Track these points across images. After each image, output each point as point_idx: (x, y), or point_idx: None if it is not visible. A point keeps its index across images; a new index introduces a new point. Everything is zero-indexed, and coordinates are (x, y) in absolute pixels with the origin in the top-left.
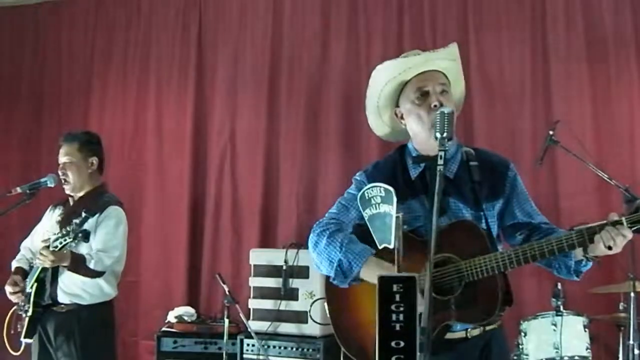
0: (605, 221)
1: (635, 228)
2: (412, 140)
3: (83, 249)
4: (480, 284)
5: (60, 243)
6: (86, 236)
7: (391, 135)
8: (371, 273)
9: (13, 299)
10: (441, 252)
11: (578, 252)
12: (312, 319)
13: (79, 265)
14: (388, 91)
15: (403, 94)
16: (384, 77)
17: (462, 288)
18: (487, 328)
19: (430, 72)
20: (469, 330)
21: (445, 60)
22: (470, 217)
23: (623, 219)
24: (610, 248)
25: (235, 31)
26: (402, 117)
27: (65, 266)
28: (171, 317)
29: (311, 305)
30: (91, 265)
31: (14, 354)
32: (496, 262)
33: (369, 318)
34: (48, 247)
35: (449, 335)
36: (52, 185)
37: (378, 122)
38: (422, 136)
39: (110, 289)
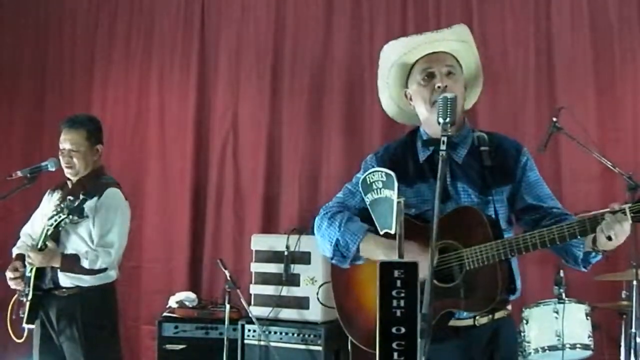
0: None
1: (638, 217)
2: (422, 124)
3: (83, 230)
4: (481, 271)
5: (56, 220)
6: (81, 212)
7: (401, 115)
8: (371, 250)
9: (12, 284)
10: (443, 239)
11: (587, 244)
12: (319, 301)
13: (72, 264)
14: (396, 72)
15: (411, 76)
16: (392, 57)
17: (462, 276)
18: (496, 316)
19: (437, 54)
20: (476, 317)
21: (453, 41)
22: (478, 202)
23: (626, 207)
24: (610, 239)
25: (238, 15)
26: (410, 99)
27: (57, 268)
28: (172, 302)
29: (319, 289)
30: (85, 265)
31: (18, 341)
32: (497, 250)
33: (371, 303)
34: (35, 247)
35: (456, 322)
36: (53, 169)
37: (389, 102)
38: (426, 117)
39: (111, 270)
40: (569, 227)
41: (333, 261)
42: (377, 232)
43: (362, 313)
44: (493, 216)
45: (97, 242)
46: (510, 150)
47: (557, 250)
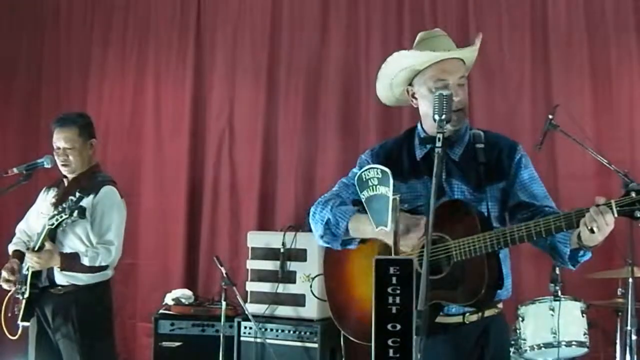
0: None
1: (623, 211)
2: (421, 122)
3: (80, 229)
4: (468, 264)
5: (57, 220)
6: (82, 212)
7: (394, 103)
8: (360, 227)
9: (5, 286)
10: (432, 232)
11: (573, 240)
12: (313, 294)
13: (72, 263)
14: (405, 74)
15: (419, 77)
16: (409, 62)
17: (450, 268)
18: (486, 314)
19: (450, 62)
20: (466, 315)
21: (467, 51)
22: (471, 199)
23: (612, 201)
24: (592, 231)
25: (234, 13)
26: (413, 96)
27: (58, 267)
28: (169, 299)
29: (312, 280)
30: (86, 262)
31: (12, 338)
32: (484, 242)
33: (364, 295)
34: (33, 249)
35: (445, 319)
36: (49, 166)
37: (388, 94)
38: (426, 112)
39: (109, 269)
40: (555, 219)
41: (323, 240)
42: None
43: (354, 306)
44: (485, 212)
45: (97, 240)
46: (505, 147)
47: (545, 247)
